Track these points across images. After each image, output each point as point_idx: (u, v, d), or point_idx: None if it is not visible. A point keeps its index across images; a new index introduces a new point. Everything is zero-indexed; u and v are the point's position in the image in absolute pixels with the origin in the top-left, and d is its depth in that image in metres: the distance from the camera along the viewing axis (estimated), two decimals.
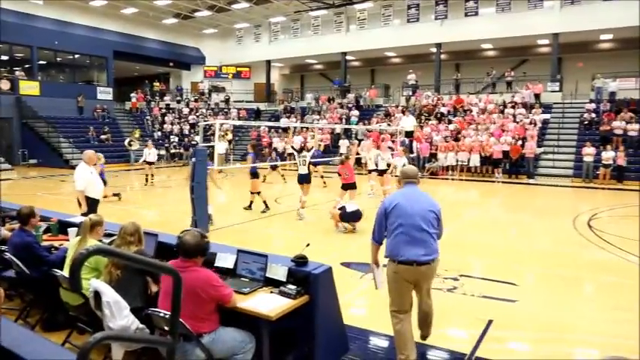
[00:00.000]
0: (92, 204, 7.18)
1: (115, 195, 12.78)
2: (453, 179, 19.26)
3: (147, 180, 16.45)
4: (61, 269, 3.95)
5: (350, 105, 27.39)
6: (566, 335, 4.62)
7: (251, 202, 11.34)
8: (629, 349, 4.36)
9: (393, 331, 3.85)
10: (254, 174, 11.19)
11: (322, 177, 16.41)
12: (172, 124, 29.08)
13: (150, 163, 16.50)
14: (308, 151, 10.80)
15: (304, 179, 10.43)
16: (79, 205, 7.13)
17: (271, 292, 3.57)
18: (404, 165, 11.07)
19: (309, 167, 10.48)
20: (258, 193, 11.15)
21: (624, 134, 18.57)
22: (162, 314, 3.06)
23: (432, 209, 3.79)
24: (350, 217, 9.01)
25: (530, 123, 20.43)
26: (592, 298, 5.90)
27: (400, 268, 3.69)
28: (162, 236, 4.43)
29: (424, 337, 4.28)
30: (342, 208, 9.02)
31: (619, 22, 20.53)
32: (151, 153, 16.64)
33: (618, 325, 4.83)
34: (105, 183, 12.85)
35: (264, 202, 11.11)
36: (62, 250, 4.50)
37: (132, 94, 30.90)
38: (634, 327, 4.68)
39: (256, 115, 31.03)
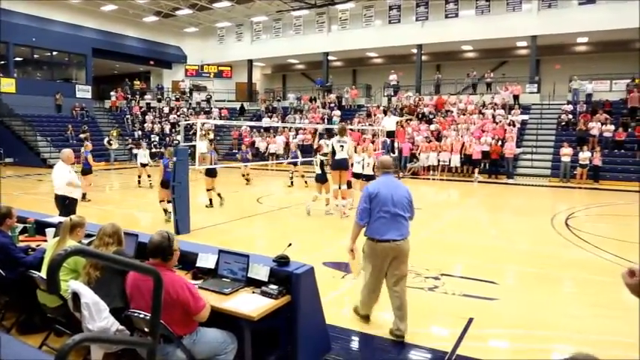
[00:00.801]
0: (70, 204, 7.07)
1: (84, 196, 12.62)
2: (434, 179, 19.43)
3: (139, 182, 15.99)
4: (39, 270, 3.87)
5: (332, 105, 27.44)
6: (546, 332, 4.69)
7: (221, 198, 11.81)
8: (608, 345, 4.47)
9: (362, 293, 4.64)
10: (211, 172, 11.55)
11: (303, 176, 16.36)
12: (153, 123, 28.75)
13: (143, 165, 15.96)
14: (320, 153, 11.36)
15: (318, 178, 10.87)
16: (58, 206, 7.01)
17: (253, 292, 3.56)
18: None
19: (322, 167, 10.74)
20: (209, 190, 11.78)
21: (600, 135, 18.99)
22: (142, 315, 3.02)
23: (406, 196, 4.45)
24: (337, 165, 9.79)
25: (510, 124, 20.73)
26: (571, 296, 6.00)
27: (379, 246, 4.32)
28: (143, 236, 4.37)
29: (400, 335, 4.34)
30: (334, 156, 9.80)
31: (594, 26, 21.04)
32: (145, 155, 16.22)
33: (597, 322, 4.93)
34: (90, 171, 12.77)
35: (210, 200, 11.73)
36: (39, 251, 4.41)
37: (111, 93, 30.47)
38: (612, 323, 4.80)
39: (240, 112, 30.92)
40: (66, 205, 7.00)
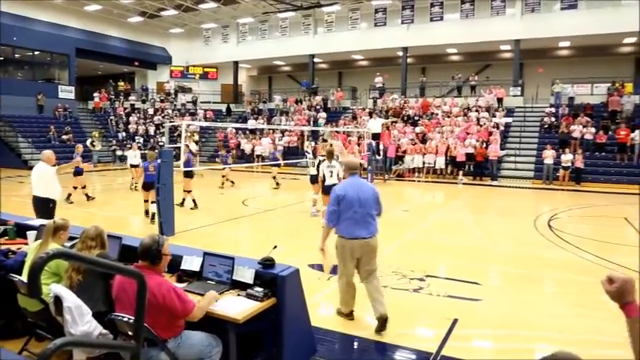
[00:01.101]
0: (53, 207, 6.96)
1: (69, 197, 12.55)
2: (419, 181, 19.54)
3: (132, 185, 15.71)
4: (19, 274, 3.80)
5: (318, 107, 27.45)
6: (529, 332, 4.75)
7: (183, 200, 11.86)
8: (591, 344, 4.53)
9: (340, 291, 4.82)
10: (188, 174, 11.54)
11: (274, 178, 16.33)
12: (137, 124, 28.45)
13: (134, 166, 15.48)
14: (318, 155, 11.44)
15: (313, 179, 11.08)
16: (35, 208, 6.88)
17: (238, 294, 3.53)
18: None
19: (318, 169, 10.74)
20: (189, 192, 11.82)
21: (581, 138, 19.29)
22: (125, 319, 2.99)
23: (372, 194, 4.68)
24: (328, 190, 9.60)
25: (494, 126, 20.95)
26: (553, 296, 6.08)
27: (348, 242, 4.58)
28: (127, 239, 4.32)
29: (382, 317, 4.46)
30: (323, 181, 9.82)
31: (576, 31, 21.40)
32: (136, 155, 15.74)
33: (579, 321, 5.00)
34: (81, 173, 12.62)
35: (194, 200, 11.76)
36: (20, 255, 4.33)
37: (95, 94, 30.07)
38: (594, 322, 4.87)
39: (227, 112, 30.74)
40: (50, 208, 6.88)
